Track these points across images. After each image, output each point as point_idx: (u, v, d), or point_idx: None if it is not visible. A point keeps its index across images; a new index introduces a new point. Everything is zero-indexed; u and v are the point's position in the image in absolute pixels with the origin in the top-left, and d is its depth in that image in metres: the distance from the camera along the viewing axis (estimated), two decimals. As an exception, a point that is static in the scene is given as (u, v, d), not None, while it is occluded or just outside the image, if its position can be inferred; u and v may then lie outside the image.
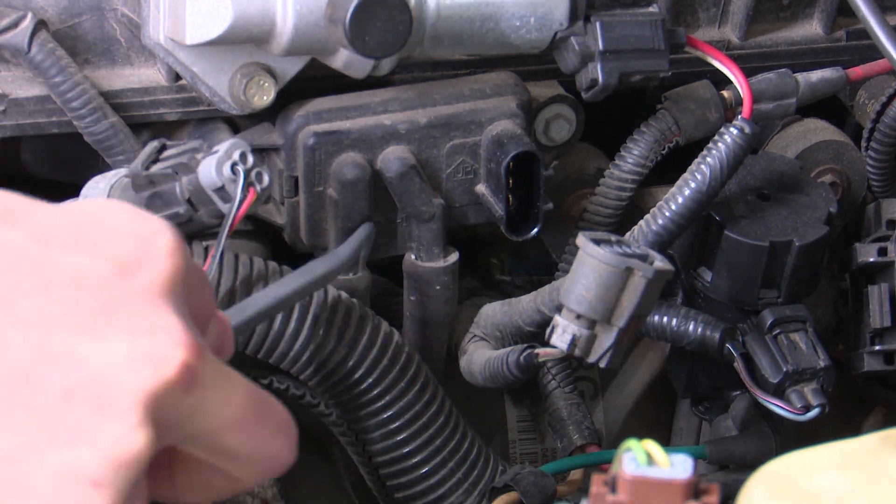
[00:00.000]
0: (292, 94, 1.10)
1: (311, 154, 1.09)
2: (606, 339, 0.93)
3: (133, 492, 0.63)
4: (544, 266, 1.30)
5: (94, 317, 0.63)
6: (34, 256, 0.64)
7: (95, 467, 0.62)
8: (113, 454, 0.62)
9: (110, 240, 0.66)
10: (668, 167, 1.16)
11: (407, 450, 1.07)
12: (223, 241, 0.95)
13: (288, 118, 1.09)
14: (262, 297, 0.96)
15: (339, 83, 1.10)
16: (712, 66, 1.12)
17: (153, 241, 0.67)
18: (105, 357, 0.63)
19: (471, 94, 1.12)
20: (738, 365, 1.10)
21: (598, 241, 0.92)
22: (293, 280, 0.99)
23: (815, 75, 1.16)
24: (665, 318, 1.11)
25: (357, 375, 1.04)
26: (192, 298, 0.68)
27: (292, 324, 1.00)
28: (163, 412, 0.64)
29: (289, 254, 1.14)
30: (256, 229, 1.14)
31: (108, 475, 0.62)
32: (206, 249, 1.03)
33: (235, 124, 1.15)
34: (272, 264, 1.04)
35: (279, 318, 1.00)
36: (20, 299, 0.62)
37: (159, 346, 0.63)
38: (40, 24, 1.06)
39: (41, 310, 0.62)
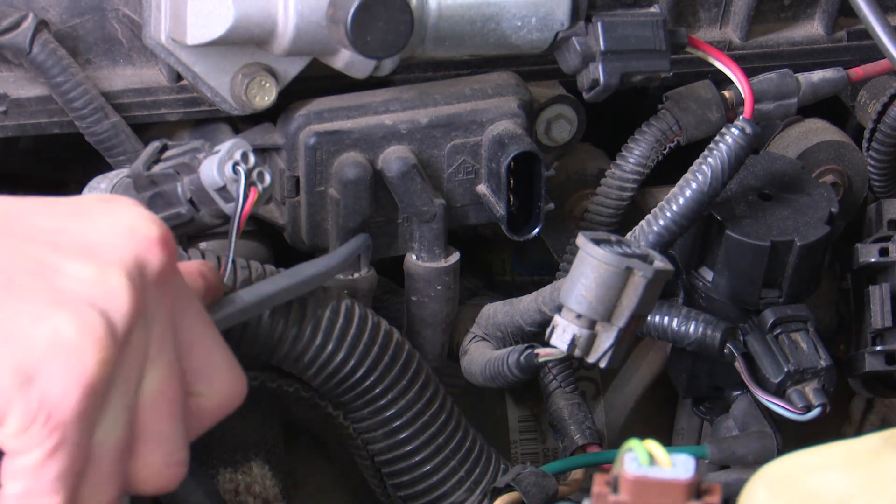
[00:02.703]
0: (293, 94, 1.10)
1: (312, 154, 1.09)
2: (606, 338, 0.93)
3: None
4: (545, 266, 1.30)
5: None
6: None
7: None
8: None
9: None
10: (669, 167, 1.16)
11: (408, 448, 1.07)
12: (234, 242, 0.95)
13: (289, 118, 1.09)
14: (246, 294, 0.95)
15: (341, 83, 1.10)
16: (713, 66, 1.12)
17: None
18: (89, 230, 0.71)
19: (472, 95, 1.12)
20: (740, 365, 1.10)
21: (598, 241, 0.92)
22: (280, 280, 0.98)
23: (817, 75, 1.16)
24: (666, 319, 1.11)
25: (358, 375, 1.04)
26: None
27: (293, 325, 1.00)
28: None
29: (290, 254, 1.14)
30: (257, 229, 1.14)
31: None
32: (203, 254, 1.03)
33: (236, 124, 1.15)
34: (268, 267, 1.04)
35: (280, 320, 1.00)
36: None
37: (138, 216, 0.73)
38: (42, 25, 1.06)
39: None
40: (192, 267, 0.86)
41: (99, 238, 0.71)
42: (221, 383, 0.79)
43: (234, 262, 0.97)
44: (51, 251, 0.70)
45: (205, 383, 0.78)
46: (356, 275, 1.12)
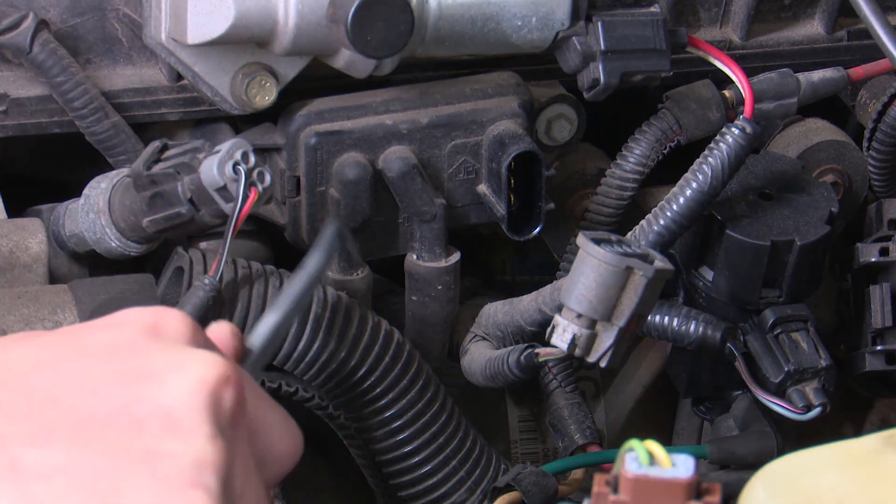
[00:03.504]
0: (294, 93, 1.10)
1: (312, 154, 1.09)
2: (607, 338, 0.93)
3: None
4: (546, 266, 1.30)
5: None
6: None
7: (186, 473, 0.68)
8: (197, 460, 0.68)
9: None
10: (669, 167, 1.16)
11: (409, 448, 1.07)
12: (228, 240, 0.95)
13: (290, 118, 1.09)
14: (264, 326, 0.95)
15: (341, 83, 1.10)
16: (714, 65, 1.12)
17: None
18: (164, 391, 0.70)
19: (472, 94, 1.12)
20: (740, 364, 1.10)
21: (598, 241, 0.92)
22: (284, 302, 0.97)
23: (817, 75, 1.16)
24: (666, 318, 1.11)
25: (359, 375, 1.04)
26: None
27: (293, 326, 1.00)
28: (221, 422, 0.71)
29: (290, 254, 1.14)
30: (258, 229, 1.14)
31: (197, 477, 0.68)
32: (204, 255, 1.03)
33: (237, 124, 1.15)
34: (268, 267, 1.03)
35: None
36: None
37: (204, 365, 0.71)
38: (42, 24, 1.06)
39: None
40: (222, 336, 0.85)
41: (175, 402, 0.70)
42: (285, 450, 0.79)
43: (226, 261, 0.96)
44: (137, 431, 0.69)
45: (274, 459, 0.78)
46: (353, 275, 1.12)
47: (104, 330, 0.73)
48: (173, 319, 0.74)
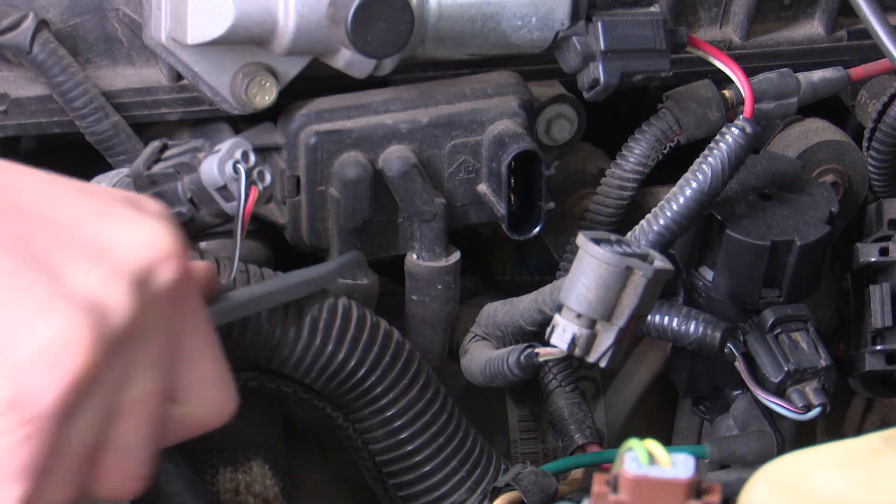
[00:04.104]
0: (294, 93, 1.10)
1: (312, 153, 1.09)
2: (606, 338, 0.93)
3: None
4: (546, 265, 1.30)
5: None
6: None
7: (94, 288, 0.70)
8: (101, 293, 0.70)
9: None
10: (669, 167, 1.16)
11: (409, 448, 1.07)
12: (239, 241, 0.95)
13: (290, 118, 1.09)
14: (235, 295, 0.96)
15: (341, 83, 1.10)
16: (714, 65, 1.12)
17: None
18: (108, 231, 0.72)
19: (472, 94, 1.12)
20: (740, 364, 1.10)
21: (598, 241, 0.92)
22: (268, 284, 0.98)
23: (817, 75, 1.16)
24: (666, 318, 1.11)
25: (359, 375, 1.04)
26: None
27: (291, 329, 1.00)
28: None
29: (290, 254, 1.14)
30: (258, 229, 1.14)
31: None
32: (202, 255, 1.03)
33: (237, 124, 1.15)
34: (265, 270, 1.04)
35: (278, 324, 0.99)
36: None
37: (160, 233, 0.73)
38: (42, 24, 1.06)
39: None
40: (201, 267, 0.86)
41: (116, 243, 0.72)
42: (211, 398, 0.79)
43: (238, 261, 0.97)
44: (64, 247, 0.71)
45: (194, 396, 0.78)
46: (360, 281, 1.12)
47: (92, 185, 0.77)
48: (153, 202, 0.77)
